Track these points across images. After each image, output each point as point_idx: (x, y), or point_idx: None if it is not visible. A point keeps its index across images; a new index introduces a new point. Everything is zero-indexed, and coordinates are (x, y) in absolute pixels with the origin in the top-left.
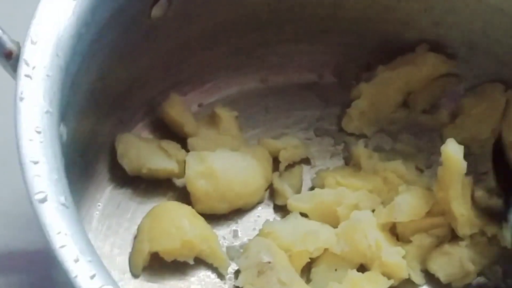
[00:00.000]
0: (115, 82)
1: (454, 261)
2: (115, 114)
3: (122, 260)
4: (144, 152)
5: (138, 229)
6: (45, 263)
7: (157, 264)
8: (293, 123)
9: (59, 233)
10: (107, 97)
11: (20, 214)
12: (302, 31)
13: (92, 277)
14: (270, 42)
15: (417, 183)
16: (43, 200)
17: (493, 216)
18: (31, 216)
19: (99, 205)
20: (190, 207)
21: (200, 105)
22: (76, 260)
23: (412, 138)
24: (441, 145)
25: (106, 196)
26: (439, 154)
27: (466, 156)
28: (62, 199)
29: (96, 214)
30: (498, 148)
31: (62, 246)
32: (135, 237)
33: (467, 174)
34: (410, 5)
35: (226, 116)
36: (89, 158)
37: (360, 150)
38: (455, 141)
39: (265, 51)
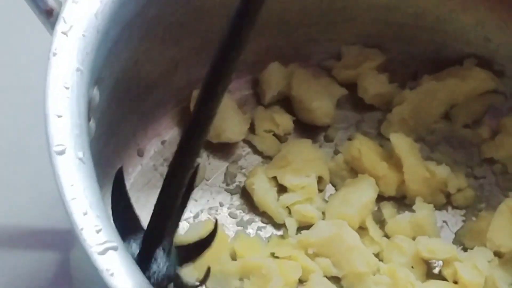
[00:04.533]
0: (160, 58)
1: None
2: (157, 91)
3: None
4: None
5: None
6: (69, 242)
7: None
8: (333, 121)
9: (72, 185)
10: (151, 72)
11: (47, 192)
12: (353, 32)
13: (98, 231)
14: (319, 40)
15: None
16: (61, 153)
17: None
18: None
19: (130, 179)
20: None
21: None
22: (85, 213)
23: (450, 150)
24: (479, 161)
25: (138, 170)
26: (477, 168)
27: (502, 174)
28: (80, 154)
29: (126, 187)
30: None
31: (73, 199)
32: None
33: (502, 192)
34: (462, 18)
35: None
36: (126, 131)
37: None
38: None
39: (313, 48)
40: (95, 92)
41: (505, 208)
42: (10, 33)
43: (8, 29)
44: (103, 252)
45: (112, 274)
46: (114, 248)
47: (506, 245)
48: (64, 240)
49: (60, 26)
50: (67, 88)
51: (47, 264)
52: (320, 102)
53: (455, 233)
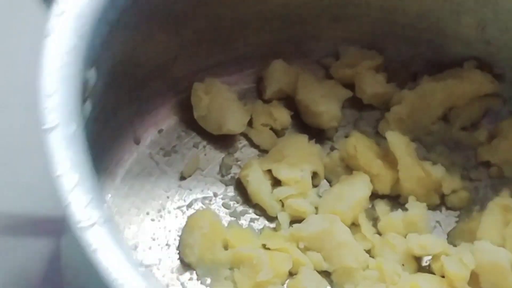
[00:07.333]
0: (159, 47)
1: None
2: (156, 81)
3: (138, 220)
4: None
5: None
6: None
7: None
8: None
9: (61, 161)
10: (149, 61)
11: (41, 181)
12: (353, 30)
13: (85, 206)
14: (319, 37)
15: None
16: (52, 129)
17: None
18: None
19: (125, 166)
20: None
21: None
22: (72, 189)
23: (446, 152)
24: (475, 163)
25: (134, 157)
26: (472, 171)
27: (498, 178)
28: (72, 129)
29: (122, 173)
30: None
31: (61, 174)
32: None
33: (497, 195)
34: (463, 19)
35: None
36: (123, 118)
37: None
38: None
39: (314, 45)
40: (92, 74)
41: (495, 207)
42: (6, 14)
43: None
44: (88, 227)
45: (95, 250)
46: (100, 224)
47: (496, 243)
48: (57, 228)
49: (56, 6)
50: (61, 66)
51: (40, 252)
52: (327, 106)
53: (448, 234)
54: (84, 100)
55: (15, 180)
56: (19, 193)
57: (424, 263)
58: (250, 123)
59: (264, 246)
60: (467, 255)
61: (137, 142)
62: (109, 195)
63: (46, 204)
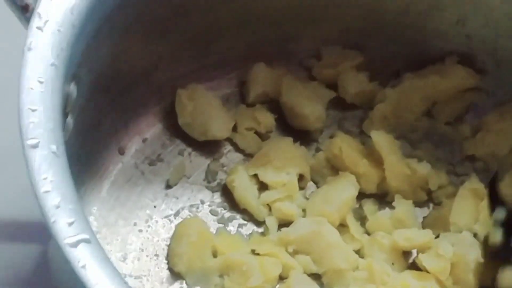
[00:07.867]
0: (141, 54)
1: None
2: (138, 89)
3: (125, 232)
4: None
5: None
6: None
7: None
8: None
9: (45, 178)
10: (131, 69)
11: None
12: (334, 30)
13: (71, 224)
14: (301, 38)
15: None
16: (35, 146)
17: None
18: None
19: (110, 177)
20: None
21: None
22: (57, 206)
23: (432, 148)
24: (460, 158)
25: (119, 168)
26: (458, 166)
27: (483, 172)
28: (54, 147)
29: (107, 185)
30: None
31: (46, 192)
32: None
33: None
34: (443, 15)
35: None
36: (106, 128)
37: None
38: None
39: (295, 46)
40: (72, 88)
41: (465, 192)
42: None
43: None
44: (75, 245)
45: (83, 266)
46: (87, 241)
47: (468, 227)
48: (45, 232)
49: (35, 21)
50: (41, 82)
51: (28, 255)
52: (312, 107)
53: (422, 224)
54: (66, 116)
55: (2, 185)
56: (7, 198)
57: (411, 260)
58: (234, 128)
59: (253, 251)
60: (443, 246)
61: (122, 152)
62: (95, 208)
63: (34, 209)
